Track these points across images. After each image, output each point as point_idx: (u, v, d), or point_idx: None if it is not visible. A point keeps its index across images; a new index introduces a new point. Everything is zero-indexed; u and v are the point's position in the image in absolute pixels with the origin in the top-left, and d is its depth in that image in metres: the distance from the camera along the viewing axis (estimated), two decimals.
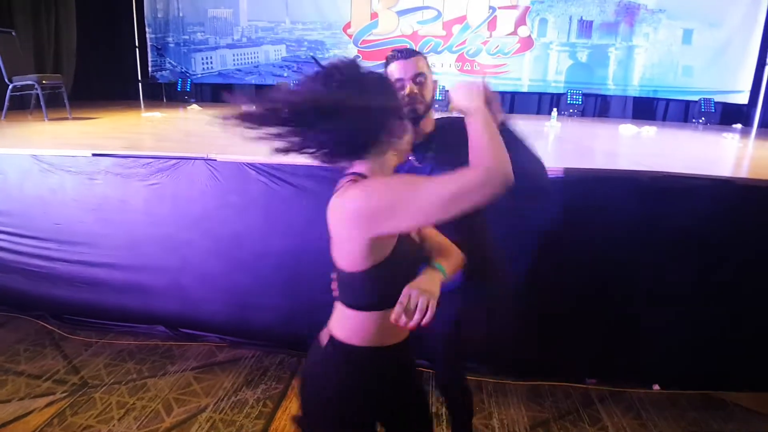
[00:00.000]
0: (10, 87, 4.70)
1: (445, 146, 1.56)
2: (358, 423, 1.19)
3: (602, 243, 2.49)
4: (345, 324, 1.14)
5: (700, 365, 2.63)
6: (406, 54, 1.54)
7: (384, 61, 1.58)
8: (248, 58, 7.39)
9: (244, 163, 2.66)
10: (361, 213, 1.00)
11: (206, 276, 2.82)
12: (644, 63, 6.94)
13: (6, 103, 4.74)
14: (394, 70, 1.53)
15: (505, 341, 2.61)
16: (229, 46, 7.37)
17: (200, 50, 7.41)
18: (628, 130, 5.22)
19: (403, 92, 1.49)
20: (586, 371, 2.67)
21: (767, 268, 2.51)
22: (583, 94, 6.98)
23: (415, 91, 1.51)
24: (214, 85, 7.51)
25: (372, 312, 1.10)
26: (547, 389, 2.60)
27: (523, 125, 4.93)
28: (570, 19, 6.95)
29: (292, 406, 2.39)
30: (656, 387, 2.64)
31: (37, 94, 4.80)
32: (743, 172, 3.19)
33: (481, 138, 1.01)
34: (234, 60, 7.42)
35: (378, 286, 1.08)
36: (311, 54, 7.16)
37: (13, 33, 5.07)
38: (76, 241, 2.91)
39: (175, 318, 2.95)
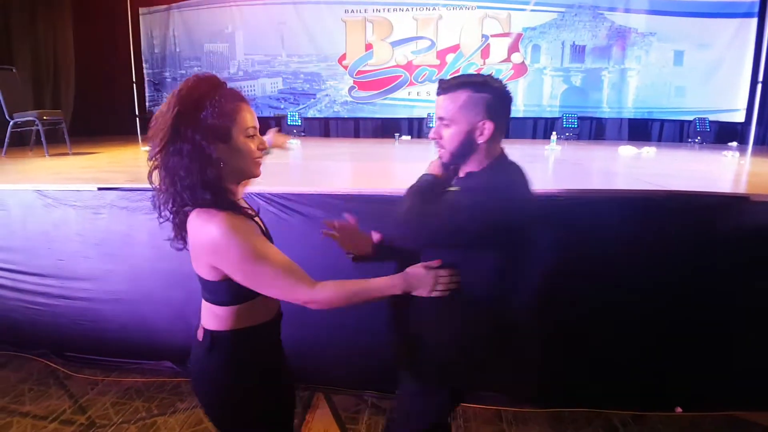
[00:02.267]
0: (11, 123, 4.71)
1: None
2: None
3: (617, 263, 2.47)
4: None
5: (721, 386, 2.57)
6: (444, 87, 1.35)
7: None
8: (245, 91, 7.35)
9: (252, 193, 2.63)
10: None
11: None
12: (637, 85, 7.11)
13: (7, 140, 4.74)
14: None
15: (523, 369, 2.57)
16: (227, 80, 7.43)
17: None
18: (627, 151, 5.28)
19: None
20: (607, 396, 2.59)
21: None
22: (579, 118, 7.09)
23: (436, 133, 1.38)
24: None
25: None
26: (568, 415, 2.53)
27: (522, 150, 5.03)
28: (563, 44, 7.12)
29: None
30: (678, 410, 2.58)
31: (38, 130, 4.80)
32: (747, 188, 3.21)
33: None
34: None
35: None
36: (307, 86, 7.26)
37: (14, 69, 5.12)
38: (79, 277, 2.85)
39: (182, 353, 2.86)
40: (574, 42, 7.13)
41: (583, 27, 7.07)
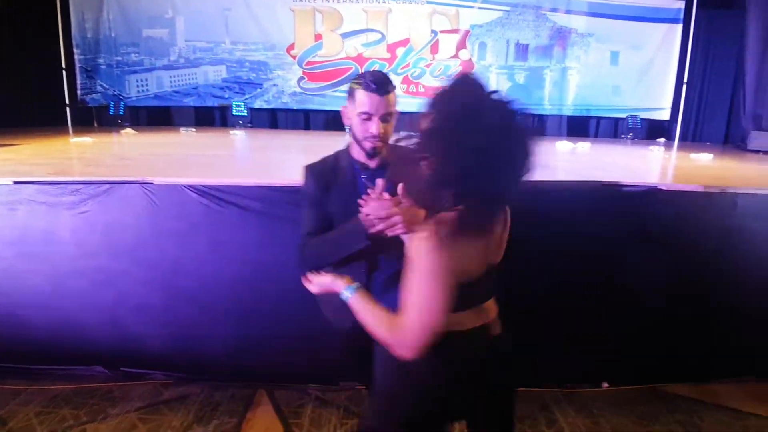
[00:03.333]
0: None
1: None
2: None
3: (551, 248, 2.55)
4: None
5: (645, 361, 2.77)
6: (382, 88, 1.47)
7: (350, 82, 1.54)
8: (186, 80, 7.16)
9: (183, 185, 2.52)
10: None
11: (146, 309, 2.62)
12: (577, 83, 7.38)
13: None
14: (365, 101, 1.46)
15: None
16: (166, 68, 7.11)
17: (135, 72, 7.10)
18: (564, 146, 5.52)
19: (370, 130, 1.48)
20: (542, 375, 2.72)
21: (704, 269, 2.71)
22: None
23: (382, 131, 1.49)
24: (150, 108, 7.21)
25: None
26: None
27: None
28: (507, 42, 7.27)
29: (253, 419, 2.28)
30: (605, 385, 2.77)
31: None
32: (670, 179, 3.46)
33: None
34: (171, 81, 7.16)
35: None
36: (253, 75, 7.05)
37: None
38: None
39: (114, 357, 2.72)
40: (518, 41, 7.31)
41: (527, 26, 7.25)
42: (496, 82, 7.36)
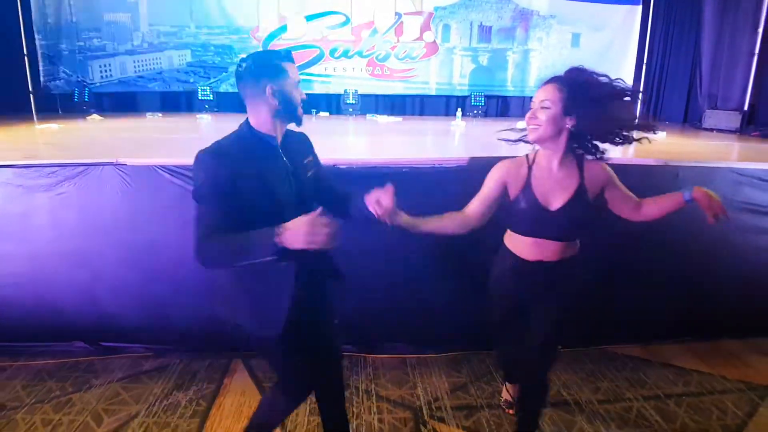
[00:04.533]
0: None
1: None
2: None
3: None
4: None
5: (594, 325, 2.95)
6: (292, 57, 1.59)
7: (281, 57, 1.54)
8: (150, 65, 7.10)
9: (156, 166, 2.62)
10: None
11: (122, 287, 2.74)
12: (539, 65, 7.60)
13: None
14: (296, 71, 1.57)
15: (423, 318, 2.84)
16: (129, 53, 7.03)
17: (97, 57, 6.99)
18: (524, 125, 5.71)
19: (303, 96, 1.58)
20: None
21: (643, 238, 2.85)
22: (486, 96, 7.49)
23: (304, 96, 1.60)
24: (115, 93, 7.14)
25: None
26: (464, 357, 2.88)
27: (431, 126, 5.30)
28: (471, 24, 7.43)
29: (226, 402, 2.44)
30: (558, 347, 2.97)
31: None
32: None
33: None
34: (135, 67, 7.09)
35: None
36: (218, 59, 7.04)
37: None
38: None
39: (93, 332, 2.85)
40: (481, 23, 7.47)
41: (489, 8, 7.41)
42: (460, 64, 7.55)
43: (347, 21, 7.18)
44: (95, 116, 6.12)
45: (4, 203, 2.65)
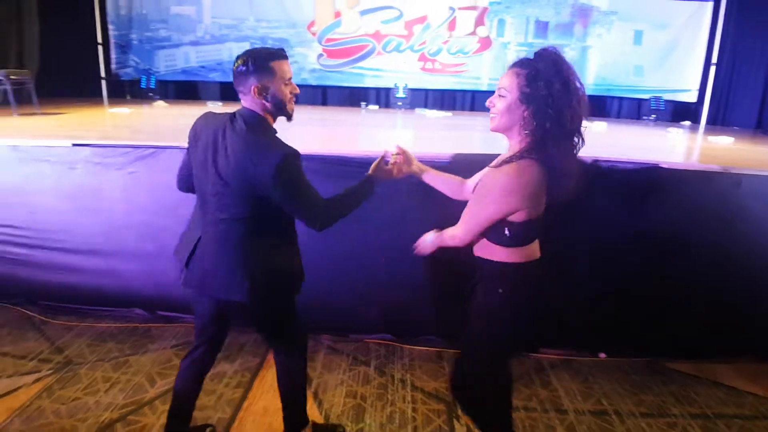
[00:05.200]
0: None
1: None
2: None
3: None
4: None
5: (643, 336, 2.88)
6: (286, 54, 1.69)
7: (270, 56, 1.62)
8: (211, 56, 7.43)
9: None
10: None
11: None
12: (598, 63, 7.35)
13: None
14: (287, 68, 1.66)
15: (461, 314, 2.88)
16: (193, 44, 7.39)
17: (163, 47, 7.39)
18: None
19: (295, 91, 1.70)
20: (539, 342, 2.90)
21: (702, 251, 2.77)
22: None
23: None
24: (178, 82, 7.53)
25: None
26: None
27: (481, 121, 5.24)
28: (527, 19, 7.29)
29: (268, 376, 2.58)
30: (602, 355, 2.90)
31: (4, 89, 4.77)
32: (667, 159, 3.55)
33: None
34: (197, 57, 7.44)
35: None
36: None
37: None
38: (54, 229, 3.00)
39: (152, 301, 3.08)
40: (538, 18, 7.32)
41: (547, 3, 7.25)
42: (515, 59, 7.41)
43: (400, 15, 7.24)
44: (160, 102, 6.50)
45: (82, 178, 2.91)
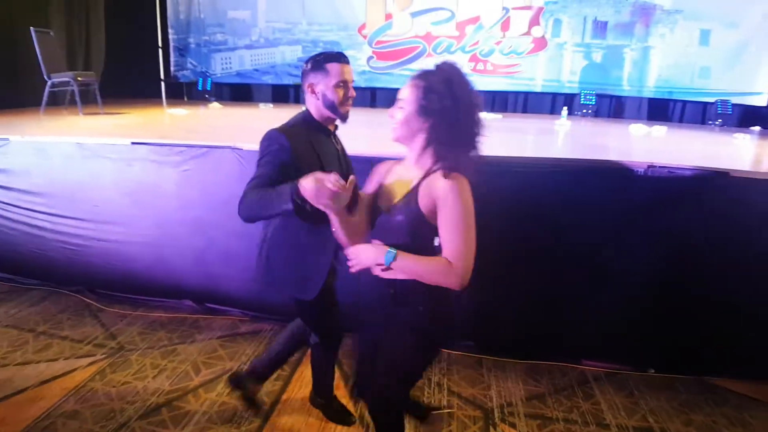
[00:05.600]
0: (49, 83, 5.02)
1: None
2: None
3: (595, 229, 2.66)
4: None
5: (696, 353, 2.73)
6: (347, 59, 1.77)
7: (327, 58, 1.72)
8: (265, 59, 7.64)
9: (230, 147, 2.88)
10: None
11: (230, 255, 3.04)
12: (660, 64, 6.97)
13: (45, 98, 5.06)
14: (343, 71, 1.73)
15: (503, 322, 2.82)
16: (247, 47, 7.62)
17: (219, 51, 7.66)
18: (638, 129, 5.27)
19: (350, 94, 1.77)
20: (583, 353, 2.81)
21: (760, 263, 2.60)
22: (597, 95, 7.08)
23: (353, 94, 1.79)
24: (233, 84, 7.80)
25: None
26: (545, 368, 2.75)
27: (534, 124, 5.16)
28: (584, 19, 7.04)
29: (306, 371, 2.59)
30: (651, 370, 2.76)
31: (72, 90, 5.11)
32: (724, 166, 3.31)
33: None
34: (252, 60, 7.67)
35: None
36: None
37: (51, 33, 5.40)
38: (112, 221, 3.19)
39: (201, 293, 3.21)
40: (596, 17, 7.05)
41: (606, 2, 6.97)
42: (571, 60, 7.21)
43: (452, 16, 7.18)
44: (215, 104, 6.75)
45: (139, 175, 3.07)
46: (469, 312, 2.81)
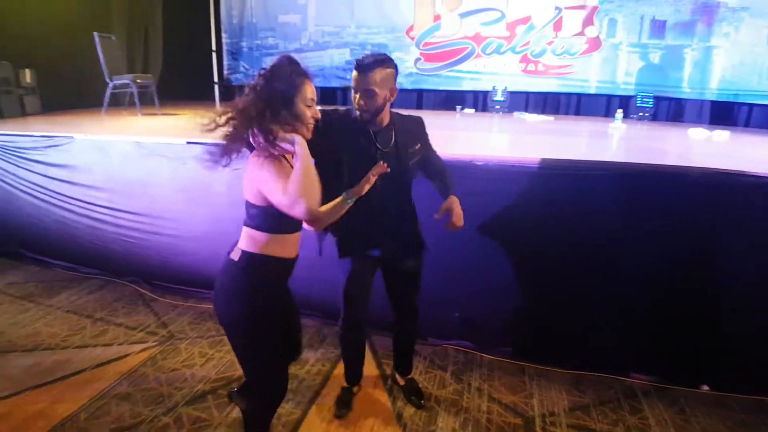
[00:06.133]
0: (110, 85, 5.32)
1: (401, 134, 1.91)
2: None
3: (650, 238, 2.54)
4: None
5: (755, 371, 2.55)
6: (365, 67, 1.77)
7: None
8: (314, 62, 7.76)
9: None
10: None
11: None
12: (724, 65, 6.58)
13: (106, 99, 5.37)
14: (353, 78, 1.79)
15: (546, 330, 2.75)
16: (297, 50, 7.76)
17: (271, 54, 7.83)
18: (698, 133, 5.02)
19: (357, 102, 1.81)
20: (632, 366, 2.70)
21: None
22: (655, 97, 6.79)
23: (361, 102, 1.79)
24: None
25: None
26: (590, 379, 2.65)
27: (587, 126, 4.99)
28: (641, 18, 6.77)
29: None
30: (705, 387, 2.60)
31: (131, 92, 5.39)
32: None
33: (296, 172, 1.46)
34: (301, 63, 7.83)
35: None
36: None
37: (113, 37, 5.72)
38: (167, 217, 3.34)
39: None
40: (654, 16, 6.76)
41: (664, 1, 6.68)
42: (627, 61, 6.94)
43: (502, 17, 7.07)
44: None
45: (194, 174, 3.19)
46: (512, 318, 2.78)
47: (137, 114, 5.24)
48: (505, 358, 2.80)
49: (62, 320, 3.08)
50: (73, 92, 6.16)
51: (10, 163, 3.78)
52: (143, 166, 3.32)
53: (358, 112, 1.84)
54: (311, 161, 1.51)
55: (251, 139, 1.57)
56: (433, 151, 2.07)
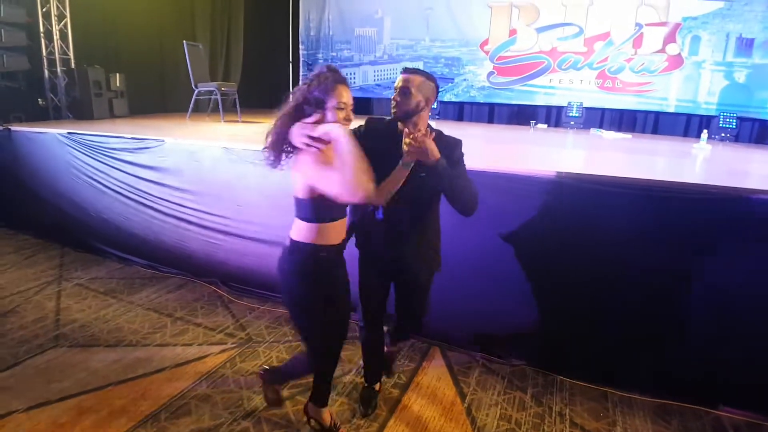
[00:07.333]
0: (196, 92, 5.61)
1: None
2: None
3: (741, 263, 2.39)
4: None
5: None
6: (409, 71, 1.94)
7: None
8: (387, 75, 7.90)
9: None
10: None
11: (354, 258, 3.13)
12: None
13: (192, 105, 5.66)
14: (396, 80, 1.95)
15: (632, 356, 2.61)
16: (372, 63, 7.94)
17: (345, 66, 8.05)
18: None
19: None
20: (721, 398, 2.53)
21: None
22: (738, 118, 6.39)
23: (397, 99, 1.91)
24: (355, 98, 8.11)
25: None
26: (676, 409, 2.52)
27: (667, 146, 4.76)
28: (727, 36, 6.42)
29: (423, 382, 2.62)
30: None
31: (215, 99, 5.65)
32: None
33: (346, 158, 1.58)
34: (375, 76, 7.97)
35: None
36: (447, 70, 7.46)
37: (200, 46, 6.04)
38: (252, 221, 3.44)
39: None
40: (741, 34, 6.39)
41: (753, 18, 6.28)
42: (710, 80, 6.58)
43: (580, 32, 6.90)
44: None
45: (279, 180, 3.18)
46: (598, 344, 2.66)
47: (220, 120, 5.48)
48: (588, 383, 2.69)
49: (143, 317, 3.20)
50: (158, 97, 6.56)
51: (100, 162, 4.03)
52: (231, 171, 3.45)
53: (393, 110, 1.93)
54: (356, 144, 1.59)
55: (292, 140, 1.74)
56: (465, 172, 2.03)
